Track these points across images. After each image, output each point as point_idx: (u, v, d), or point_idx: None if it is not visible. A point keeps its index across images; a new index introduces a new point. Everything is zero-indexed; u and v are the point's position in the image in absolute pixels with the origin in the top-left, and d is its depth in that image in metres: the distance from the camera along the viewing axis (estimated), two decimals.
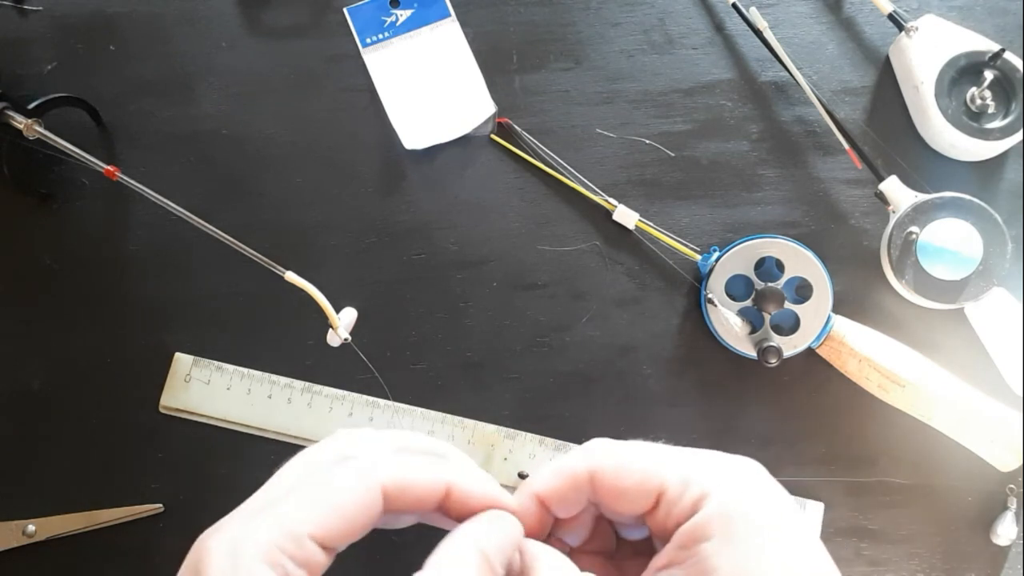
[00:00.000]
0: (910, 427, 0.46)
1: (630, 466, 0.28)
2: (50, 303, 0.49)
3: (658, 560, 0.27)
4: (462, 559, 0.25)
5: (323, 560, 0.25)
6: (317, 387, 0.48)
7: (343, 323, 0.43)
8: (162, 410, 0.48)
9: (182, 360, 0.48)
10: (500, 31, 0.50)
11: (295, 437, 0.47)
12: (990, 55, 0.46)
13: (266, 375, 0.48)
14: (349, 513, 0.26)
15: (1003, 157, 0.48)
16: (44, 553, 0.47)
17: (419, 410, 0.48)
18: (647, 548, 0.31)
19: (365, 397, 0.48)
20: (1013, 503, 0.46)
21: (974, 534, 0.47)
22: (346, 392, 0.48)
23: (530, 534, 0.29)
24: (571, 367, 0.48)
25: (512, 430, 0.47)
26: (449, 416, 0.47)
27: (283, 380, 0.48)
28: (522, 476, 0.46)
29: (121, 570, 0.47)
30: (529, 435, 0.47)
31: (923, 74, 0.47)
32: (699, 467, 0.28)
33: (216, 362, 0.48)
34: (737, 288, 0.47)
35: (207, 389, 0.48)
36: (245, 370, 0.48)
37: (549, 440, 0.47)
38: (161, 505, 0.47)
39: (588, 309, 0.49)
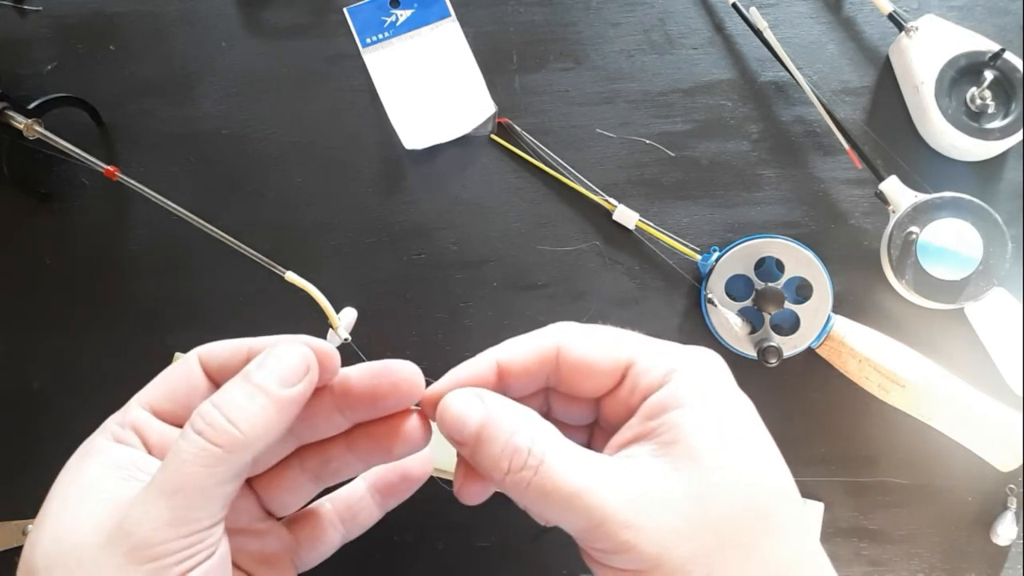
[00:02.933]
0: (910, 427, 0.46)
1: (600, 341, 0.28)
2: (50, 303, 0.49)
3: (621, 437, 0.27)
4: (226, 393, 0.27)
5: (158, 426, 0.29)
6: None
7: (343, 323, 0.43)
8: None
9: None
10: (500, 31, 0.50)
11: None
12: (990, 55, 0.46)
13: None
14: (167, 379, 0.30)
15: (1003, 157, 0.48)
16: None
17: None
18: None
19: None
20: (1013, 503, 0.46)
21: (974, 534, 0.47)
22: None
23: None
24: None
25: None
26: None
27: None
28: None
29: None
30: None
31: (923, 74, 0.47)
32: (666, 347, 0.28)
33: None
34: (737, 288, 0.47)
35: None
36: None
37: None
38: None
39: (588, 309, 0.49)
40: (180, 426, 0.29)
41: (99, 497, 0.26)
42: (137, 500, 0.26)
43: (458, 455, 0.29)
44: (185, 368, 0.30)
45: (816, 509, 0.47)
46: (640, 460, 0.25)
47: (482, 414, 0.27)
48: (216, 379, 0.30)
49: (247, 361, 0.29)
